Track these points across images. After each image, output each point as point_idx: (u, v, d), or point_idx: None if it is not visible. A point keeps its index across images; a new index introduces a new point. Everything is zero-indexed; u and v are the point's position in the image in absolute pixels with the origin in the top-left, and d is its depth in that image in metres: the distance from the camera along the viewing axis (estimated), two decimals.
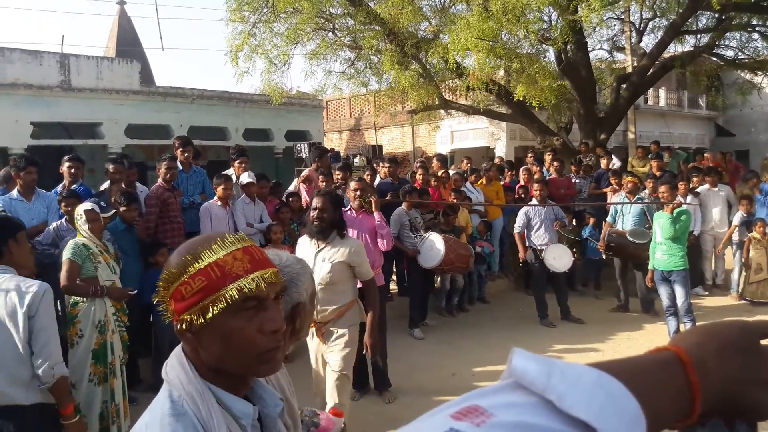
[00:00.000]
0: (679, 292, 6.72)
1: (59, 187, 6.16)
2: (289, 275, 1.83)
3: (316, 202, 4.19)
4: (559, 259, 7.89)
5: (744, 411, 0.65)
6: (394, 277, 8.78)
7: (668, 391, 0.60)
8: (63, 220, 5.52)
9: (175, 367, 1.19)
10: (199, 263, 1.15)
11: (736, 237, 9.29)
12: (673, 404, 0.60)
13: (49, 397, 3.05)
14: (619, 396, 0.53)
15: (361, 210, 5.76)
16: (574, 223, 9.88)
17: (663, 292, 6.89)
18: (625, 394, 0.54)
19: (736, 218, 9.38)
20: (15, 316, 2.97)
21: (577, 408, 0.51)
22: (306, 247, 4.37)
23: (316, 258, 4.24)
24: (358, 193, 5.77)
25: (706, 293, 9.61)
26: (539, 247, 8.06)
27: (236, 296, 1.13)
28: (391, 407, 5.56)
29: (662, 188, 7.04)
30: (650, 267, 7.09)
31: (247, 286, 1.13)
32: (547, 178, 10.62)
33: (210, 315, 1.12)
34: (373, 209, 5.74)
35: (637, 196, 8.51)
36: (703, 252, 9.76)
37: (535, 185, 8.30)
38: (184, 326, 1.16)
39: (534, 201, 8.26)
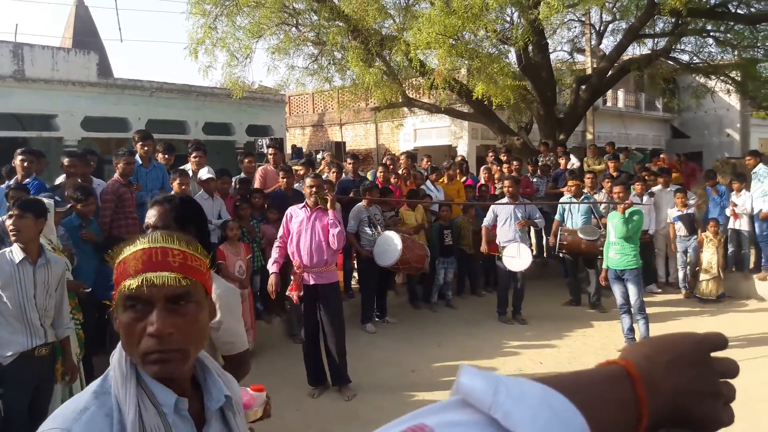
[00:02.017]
0: (632, 290, 6.88)
1: (12, 182, 6.00)
2: None
3: (149, 215, 2.42)
4: (517, 258, 7.97)
5: (693, 422, 0.66)
6: (355, 274, 8.79)
7: (615, 406, 0.61)
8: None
9: (117, 350, 1.25)
10: (117, 258, 1.25)
11: (682, 233, 9.52)
12: (620, 418, 0.61)
13: None
14: (564, 412, 0.54)
15: (316, 207, 5.75)
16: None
17: (616, 290, 7.05)
18: (570, 409, 0.54)
19: (670, 215, 9.65)
20: None
21: (521, 426, 0.51)
22: None
23: None
24: (313, 189, 5.73)
25: (659, 291, 9.87)
26: (502, 244, 8.15)
27: (123, 293, 1.20)
28: (351, 404, 5.58)
29: (616, 189, 7.20)
30: (604, 266, 7.25)
31: (129, 286, 1.19)
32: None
33: (114, 308, 1.23)
34: (328, 206, 5.71)
35: (583, 196, 8.75)
36: (656, 250, 10.01)
37: (506, 182, 8.37)
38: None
39: (505, 199, 8.33)
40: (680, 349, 0.67)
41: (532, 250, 8.55)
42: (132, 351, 1.21)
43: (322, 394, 5.81)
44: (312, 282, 5.69)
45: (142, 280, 1.18)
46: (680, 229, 9.49)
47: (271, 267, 5.93)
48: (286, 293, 5.82)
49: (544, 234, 10.87)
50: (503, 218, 8.16)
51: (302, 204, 5.84)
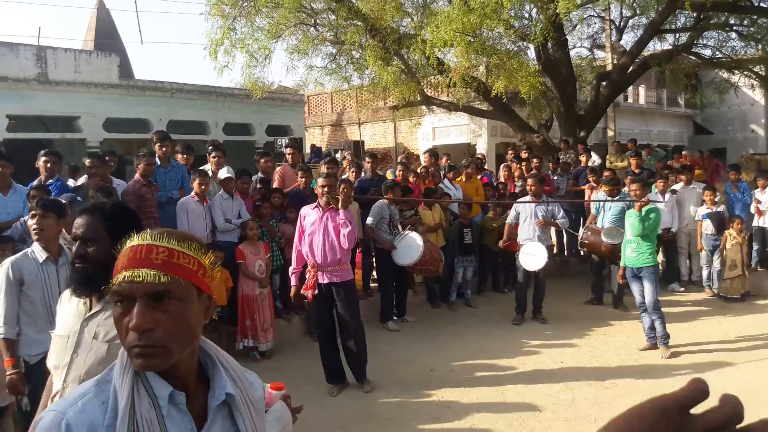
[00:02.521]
0: (648, 288, 6.80)
1: (35, 182, 6.09)
2: None
3: (75, 224, 2.20)
4: (533, 257, 7.88)
5: None
6: (374, 274, 8.79)
7: None
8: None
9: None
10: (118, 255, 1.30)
11: (709, 231, 9.37)
12: None
13: None
14: None
15: (328, 207, 5.75)
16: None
17: (635, 288, 6.96)
18: None
19: (699, 212, 9.50)
20: None
21: None
22: (73, 306, 2.30)
23: (82, 331, 2.20)
24: (325, 189, 5.73)
25: (682, 289, 9.74)
26: (521, 243, 8.09)
27: (111, 289, 1.25)
28: (371, 402, 5.57)
29: (633, 186, 7.12)
30: (621, 264, 7.17)
31: (114, 282, 1.24)
32: (526, 175, 10.71)
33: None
34: (339, 206, 5.72)
35: (619, 195, 8.53)
36: (679, 248, 9.88)
37: (529, 180, 8.32)
38: None
39: (527, 197, 8.28)
40: (650, 422, 0.61)
41: (552, 250, 8.46)
42: (123, 344, 1.25)
43: (341, 392, 5.83)
44: (326, 281, 5.71)
45: (124, 276, 1.23)
46: (708, 227, 9.34)
47: (291, 277, 5.98)
48: (301, 291, 5.84)
49: (565, 232, 10.79)
50: (524, 217, 8.10)
51: (315, 204, 5.86)
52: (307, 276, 5.79)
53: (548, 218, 8.08)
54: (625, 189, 8.88)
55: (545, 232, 8.13)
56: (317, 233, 5.70)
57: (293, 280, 5.95)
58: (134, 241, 1.28)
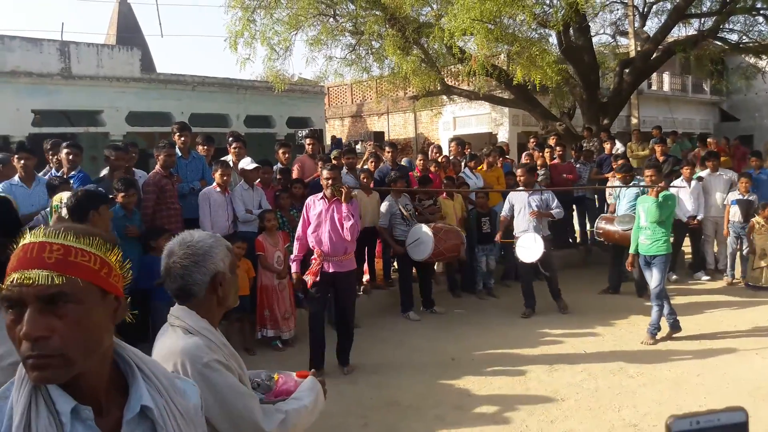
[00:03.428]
0: (656, 276, 6.68)
1: (58, 174, 6.15)
2: (202, 249, 1.96)
3: None
4: (527, 249, 7.70)
5: None
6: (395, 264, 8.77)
7: None
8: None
9: None
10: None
11: (737, 218, 9.19)
12: None
13: None
14: None
15: (333, 198, 5.77)
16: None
17: (648, 276, 6.86)
18: None
19: (729, 198, 9.30)
20: None
21: None
22: None
23: None
24: (330, 182, 5.77)
25: (708, 278, 9.57)
26: (517, 235, 7.93)
27: (0, 294, 1.12)
28: (391, 391, 5.56)
29: (648, 172, 6.99)
30: (631, 251, 7.03)
31: (2, 286, 1.12)
32: (549, 163, 10.63)
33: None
34: (343, 199, 5.73)
35: (633, 181, 8.47)
36: (704, 237, 9.72)
37: (518, 171, 8.15)
38: None
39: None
40: None
41: (549, 240, 8.20)
42: (19, 355, 1.11)
43: (357, 379, 5.86)
44: (331, 270, 5.82)
45: (13, 279, 1.10)
46: (735, 214, 9.15)
47: (292, 265, 6.12)
48: (303, 277, 5.94)
49: (588, 220, 10.68)
50: (518, 208, 7.91)
51: (321, 195, 5.90)
52: (312, 263, 5.87)
53: (543, 208, 7.85)
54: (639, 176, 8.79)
55: (541, 223, 7.89)
56: (324, 224, 5.79)
57: (294, 267, 6.09)
58: (27, 238, 1.15)
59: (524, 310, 7.96)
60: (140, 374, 1.25)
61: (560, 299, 8.09)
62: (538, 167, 10.55)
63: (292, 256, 6.17)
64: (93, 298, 1.14)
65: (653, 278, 6.71)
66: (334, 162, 8.27)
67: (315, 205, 5.87)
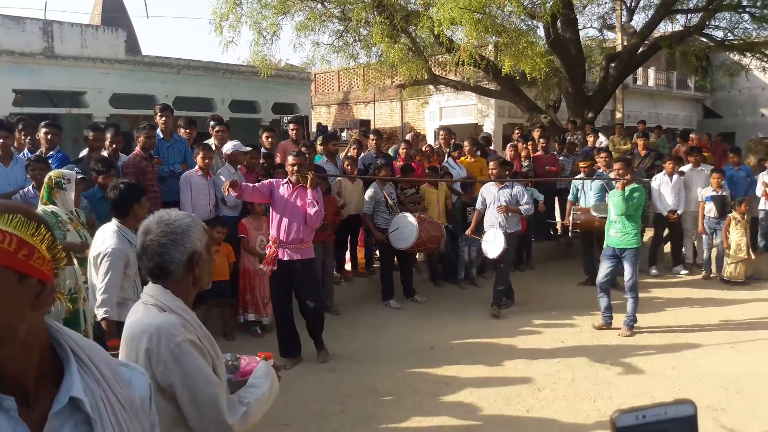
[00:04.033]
0: (627, 269, 6.75)
1: (36, 153, 6.06)
2: (180, 227, 1.99)
3: None
4: (491, 244, 7.56)
5: None
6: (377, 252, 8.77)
7: None
8: (30, 186, 5.37)
9: None
10: None
11: (712, 214, 9.27)
12: None
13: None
14: None
15: (297, 185, 5.74)
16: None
17: (604, 267, 6.90)
18: None
19: (703, 194, 9.36)
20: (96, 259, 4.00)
21: None
22: None
23: None
24: (295, 168, 5.72)
25: (686, 272, 9.67)
26: (485, 229, 7.75)
27: None
28: (370, 378, 5.57)
29: (616, 165, 7.03)
30: (605, 245, 7.05)
31: None
32: (532, 155, 10.66)
33: None
34: (308, 185, 5.70)
35: (595, 174, 8.63)
36: (684, 231, 9.81)
37: (491, 164, 7.96)
38: None
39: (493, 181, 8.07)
40: None
41: (516, 236, 7.92)
42: None
43: (295, 366, 5.82)
44: (286, 258, 5.76)
45: None
46: (711, 210, 9.24)
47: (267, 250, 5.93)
48: (259, 267, 5.90)
49: (558, 215, 10.73)
50: (488, 202, 7.74)
51: (285, 180, 5.85)
52: (267, 251, 5.84)
53: (512, 204, 7.55)
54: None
55: (510, 219, 7.57)
56: (284, 210, 5.73)
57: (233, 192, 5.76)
58: None
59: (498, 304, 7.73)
60: (76, 362, 1.15)
61: (497, 304, 7.62)
62: (522, 158, 10.59)
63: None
64: (6, 282, 1.05)
65: (626, 272, 6.76)
66: (319, 148, 8.27)
67: (279, 188, 5.80)
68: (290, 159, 5.84)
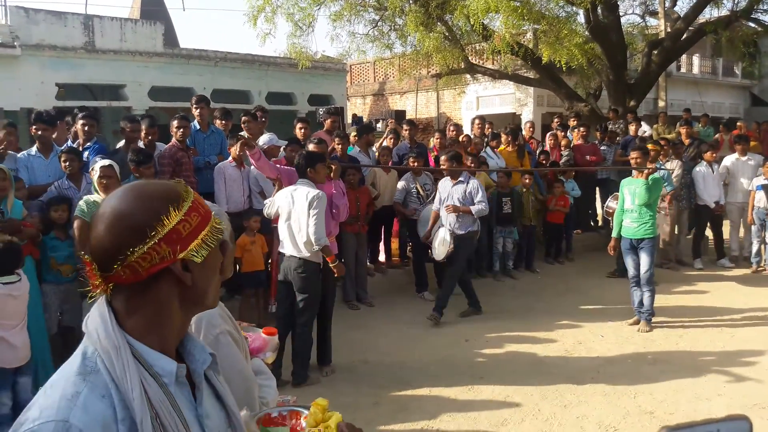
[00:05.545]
0: (644, 260, 6.50)
1: (74, 145, 6.14)
2: None
3: None
4: (438, 245, 7.05)
5: None
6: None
7: None
8: (64, 177, 5.45)
9: (95, 319, 1.09)
10: (186, 202, 1.14)
11: (762, 204, 8.89)
12: None
13: (318, 256, 5.10)
14: None
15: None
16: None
17: (629, 261, 6.65)
18: None
19: (754, 183, 8.96)
20: (305, 208, 4.92)
21: None
22: None
23: None
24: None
25: (732, 265, 9.34)
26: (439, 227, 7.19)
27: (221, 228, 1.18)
28: (405, 371, 5.50)
29: (634, 154, 6.79)
30: (613, 235, 6.84)
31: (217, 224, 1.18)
32: (572, 144, 10.45)
33: (208, 248, 1.15)
34: (333, 176, 5.57)
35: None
36: (730, 223, 9.47)
37: (442, 158, 7.20)
38: (181, 266, 1.12)
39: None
40: None
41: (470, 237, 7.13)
42: (219, 286, 1.20)
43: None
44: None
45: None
46: (760, 200, 8.86)
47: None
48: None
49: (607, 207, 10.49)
50: (443, 200, 7.11)
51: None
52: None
53: (466, 202, 6.92)
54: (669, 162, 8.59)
55: (462, 219, 6.94)
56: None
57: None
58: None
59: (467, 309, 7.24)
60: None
61: (438, 310, 6.85)
62: (562, 147, 10.38)
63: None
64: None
65: (642, 262, 6.53)
66: (353, 140, 8.23)
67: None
68: (311, 147, 5.86)
